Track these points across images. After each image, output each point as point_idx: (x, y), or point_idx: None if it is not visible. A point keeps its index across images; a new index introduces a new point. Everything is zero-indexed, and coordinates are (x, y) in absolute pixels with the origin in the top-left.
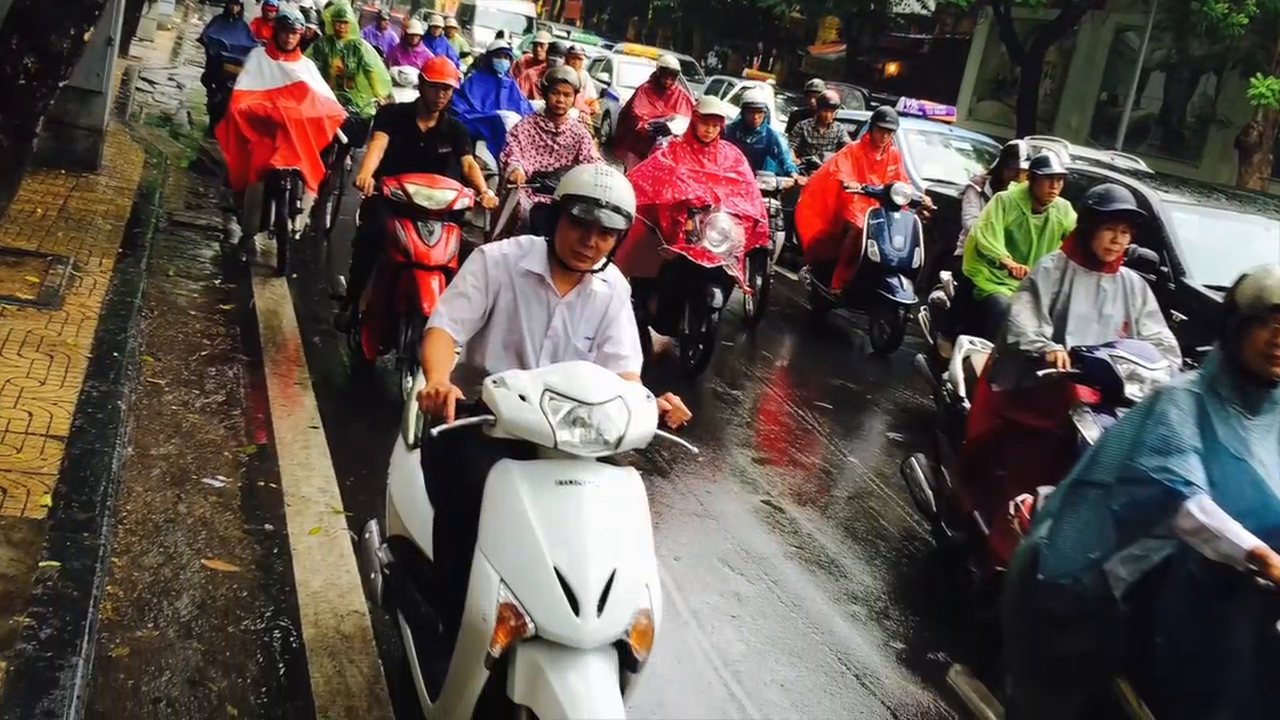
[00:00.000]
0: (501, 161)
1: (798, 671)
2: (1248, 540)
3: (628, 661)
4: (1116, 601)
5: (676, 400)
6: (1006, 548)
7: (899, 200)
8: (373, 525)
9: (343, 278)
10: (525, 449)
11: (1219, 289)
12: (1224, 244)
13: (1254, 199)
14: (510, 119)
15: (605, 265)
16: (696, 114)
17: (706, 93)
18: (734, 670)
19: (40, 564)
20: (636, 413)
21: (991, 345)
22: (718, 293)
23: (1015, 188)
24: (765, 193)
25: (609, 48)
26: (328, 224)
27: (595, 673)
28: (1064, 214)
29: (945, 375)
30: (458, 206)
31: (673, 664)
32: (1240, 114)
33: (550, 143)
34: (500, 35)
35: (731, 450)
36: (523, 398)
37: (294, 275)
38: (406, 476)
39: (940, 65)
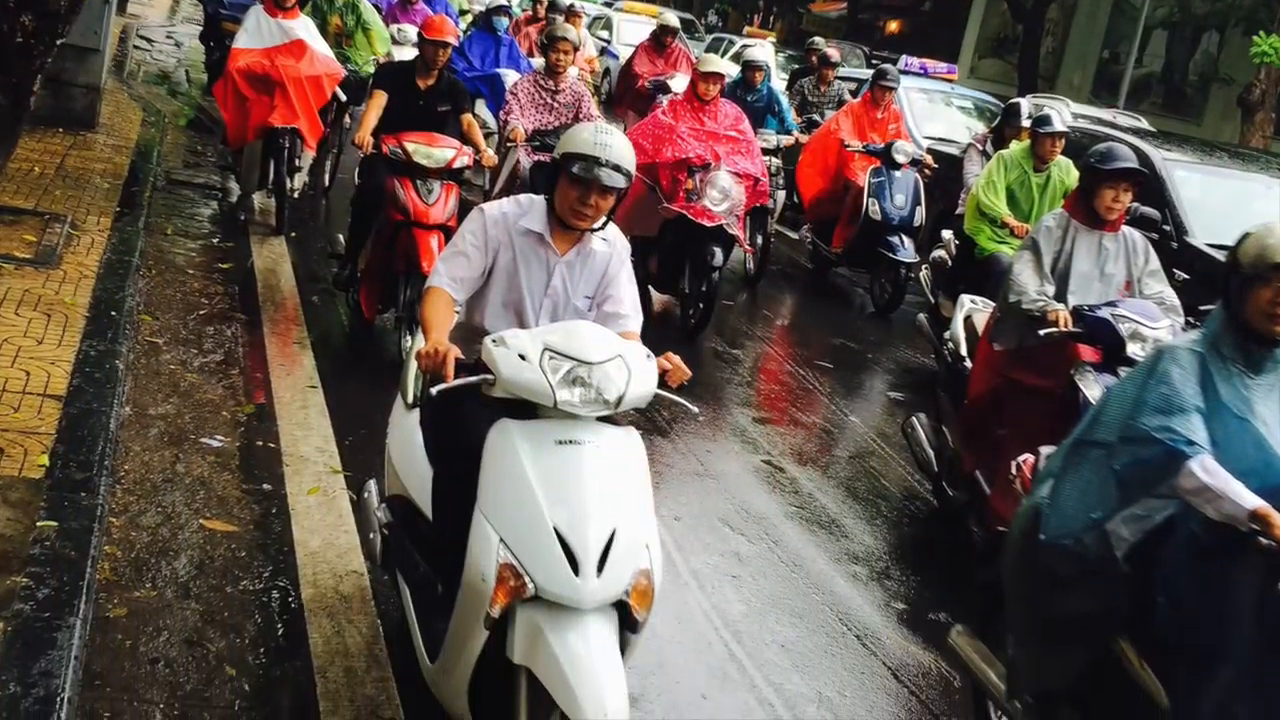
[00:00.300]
0: (501, 120)
1: (798, 632)
2: (1250, 500)
3: (628, 622)
4: (1118, 562)
5: (676, 359)
6: (1008, 508)
7: (900, 159)
8: (371, 485)
9: (341, 236)
10: (525, 409)
11: (1221, 248)
12: (1226, 202)
13: (1256, 157)
14: (510, 77)
15: (605, 224)
16: (697, 72)
17: (707, 50)
18: (734, 631)
19: (38, 524)
20: (636, 372)
21: (993, 304)
22: (718, 251)
23: (1017, 146)
24: (766, 151)
25: (609, 5)
26: (326, 182)
27: (595, 633)
28: (1066, 172)
29: (947, 334)
30: (457, 165)
31: (673, 624)
32: (1243, 72)
33: (550, 101)
34: None
35: (732, 410)
36: (522, 357)
37: (292, 234)
38: (405, 436)
39: (942, 23)
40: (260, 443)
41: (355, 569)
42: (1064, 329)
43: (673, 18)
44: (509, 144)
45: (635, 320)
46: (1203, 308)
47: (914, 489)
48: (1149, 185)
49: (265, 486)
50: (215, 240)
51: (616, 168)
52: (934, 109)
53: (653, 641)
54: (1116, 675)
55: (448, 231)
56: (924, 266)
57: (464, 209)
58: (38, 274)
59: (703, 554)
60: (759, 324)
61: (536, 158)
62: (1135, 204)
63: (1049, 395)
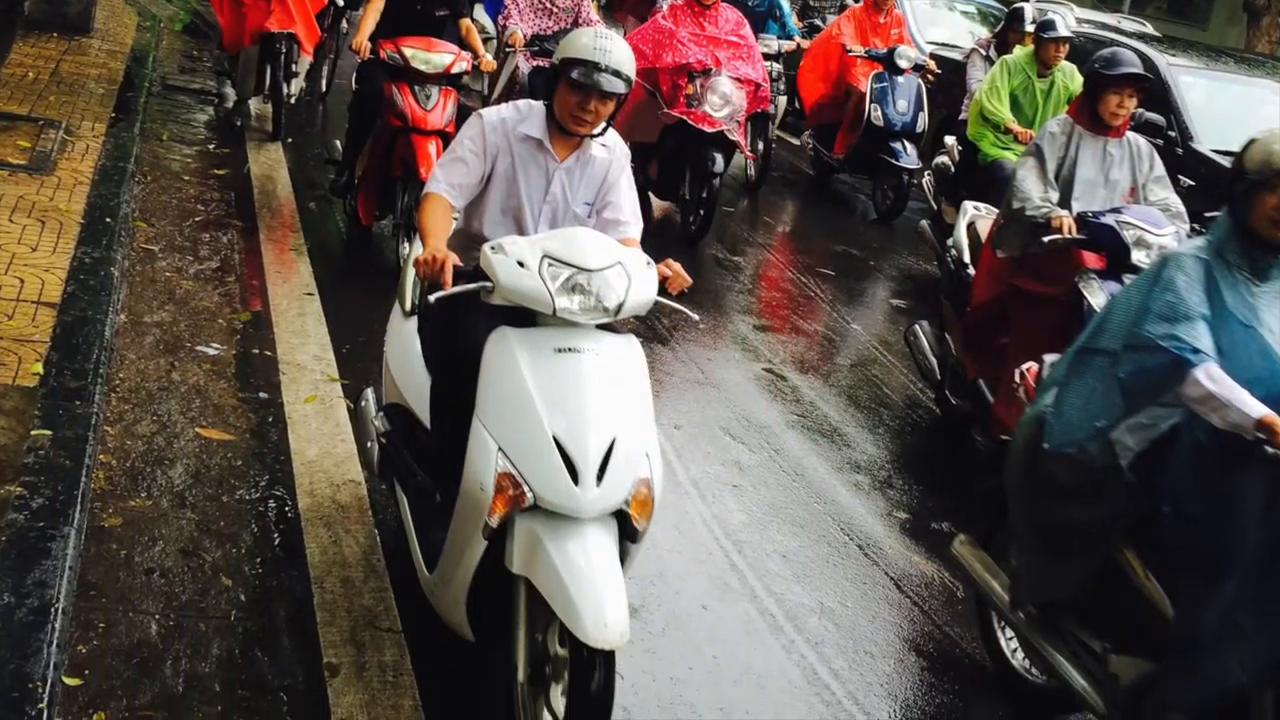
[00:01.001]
0: (500, 25)
1: (800, 542)
2: (1256, 409)
3: (627, 532)
4: (1123, 471)
5: (677, 266)
6: (1011, 416)
7: (902, 64)
8: (369, 393)
9: (339, 142)
10: (523, 316)
11: (1227, 154)
12: (1232, 108)
13: (1262, 63)
14: None
15: (605, 130)
16: None
17: None
18: (735, 540)
19: (32, 432)
20: (636, 279)
21: (996, 211)
22: (718, 157)
23: (1020, 51)
24: (767, 56)
25: None
26: (323, 88)
27: (594, 543)
28: (1070, 78)
29: (950, 241)
30: (455, 70)
31: (673, 534)
32: None
33: (549, 5)
34: None
35: (733, 317)
36: (521, 264)
37: (289, 140)
38: (403, 344)
39: None
40: (256, 350)
41: (353, 478)
42: (1068, 236)
43: None
44: (508, 49)
45: (635, 227)
46: (1208, 214)
47: (916, 397)
48: (1154, 91)
49: (262, 395)
50: (211, 146)
51: (616, 73)
52: (937, 14)
53: (653, 551)
54: (1121, 585)
55: (446, 137)
56: (927, 173)
57: (462, 115)
58: (32, 180)
59: (703, 463)
60: (760, 231)
61: (536, 63)
62: (1140, 109)
63: (1053, 303)
